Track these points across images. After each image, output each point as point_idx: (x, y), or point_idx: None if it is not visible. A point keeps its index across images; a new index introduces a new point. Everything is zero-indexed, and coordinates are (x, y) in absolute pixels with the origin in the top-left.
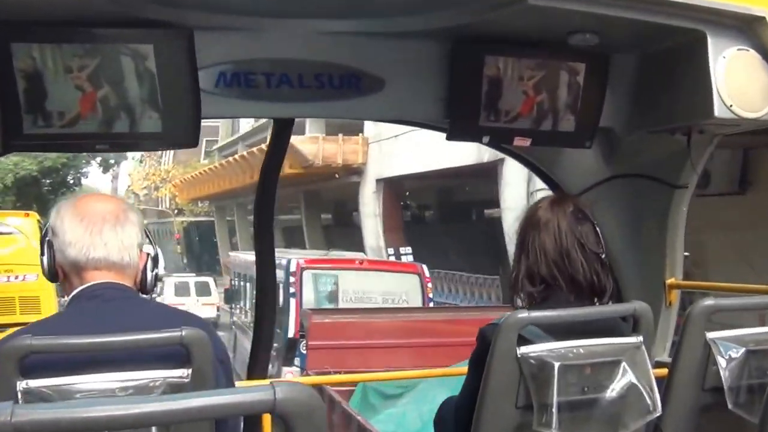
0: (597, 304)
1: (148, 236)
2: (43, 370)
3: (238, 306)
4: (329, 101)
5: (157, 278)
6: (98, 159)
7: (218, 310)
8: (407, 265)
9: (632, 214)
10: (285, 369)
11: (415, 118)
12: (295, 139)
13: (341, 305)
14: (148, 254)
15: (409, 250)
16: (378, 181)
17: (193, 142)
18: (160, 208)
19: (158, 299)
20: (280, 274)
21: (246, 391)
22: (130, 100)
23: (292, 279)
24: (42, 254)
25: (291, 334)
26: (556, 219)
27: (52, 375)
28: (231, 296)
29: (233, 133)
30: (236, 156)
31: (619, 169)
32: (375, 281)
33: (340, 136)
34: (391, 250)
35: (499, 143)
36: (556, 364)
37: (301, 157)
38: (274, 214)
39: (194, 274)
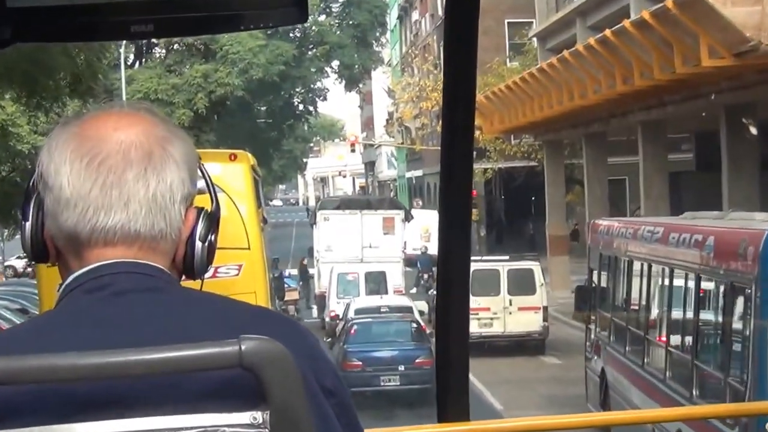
0: None
1: (205, 178)
2: (20, 415)
3: (609, 317)
4: None
5: (213, 250)
6: (335, 64)
7: (546, 320)
8: None
9: None
10: None
11: None
12: None
13: None
14: (200, 211)
15: None
16: None
17: (297, 13)
18: None
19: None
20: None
21: None
22: None
23: None
24: (25, 218)
25: None
26: None
27: (33, 422)
28: (588, 297)
29: (558, 6)
30: (579, 47)
31: None
32: None
33: None
34: None
35: None
36: None
37: (733, 33)
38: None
39: (506, 257)
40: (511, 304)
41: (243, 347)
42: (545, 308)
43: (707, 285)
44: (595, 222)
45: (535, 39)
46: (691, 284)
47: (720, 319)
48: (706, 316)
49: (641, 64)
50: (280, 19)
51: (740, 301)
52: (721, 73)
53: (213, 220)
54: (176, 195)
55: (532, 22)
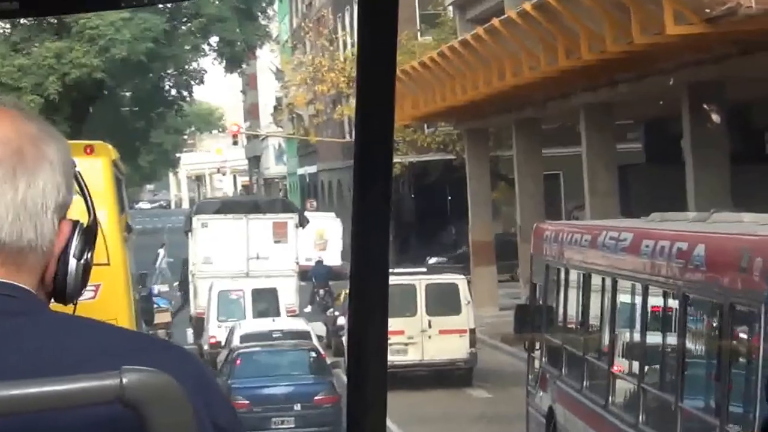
0: None
1: (80, 187)
2: None
3: (560, 345)
4: None
5: (89, 270)
6: (214, 40)
7: (474, 345)
8: None
9: None
10: None
11: None
12: None
13: None
14: (76, 224)
15: None
16: None
17: None
18: (348, 139)
19: (341, 319)
20: None
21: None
22: None
23: None
24: None
25: None
26: None
27: None
28: (532, 318)
29: None
30: (512, 14)
31: None
32: None
33: None
34: None
35: None
36: None
37: None
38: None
39: (424, 270)
40: (430, 327)
41: (124, 380)
42: (472, 331)
43: (696, 306)
44: (539, 226)
45: (451, 8)
46: (674, 304)
47: (714, 348)
48: (695, 344)
49: (590, 34)
50: None
51: (743, 327)
52: (688, 44)
53: (90, 235)
54: (49, 202)
55: None
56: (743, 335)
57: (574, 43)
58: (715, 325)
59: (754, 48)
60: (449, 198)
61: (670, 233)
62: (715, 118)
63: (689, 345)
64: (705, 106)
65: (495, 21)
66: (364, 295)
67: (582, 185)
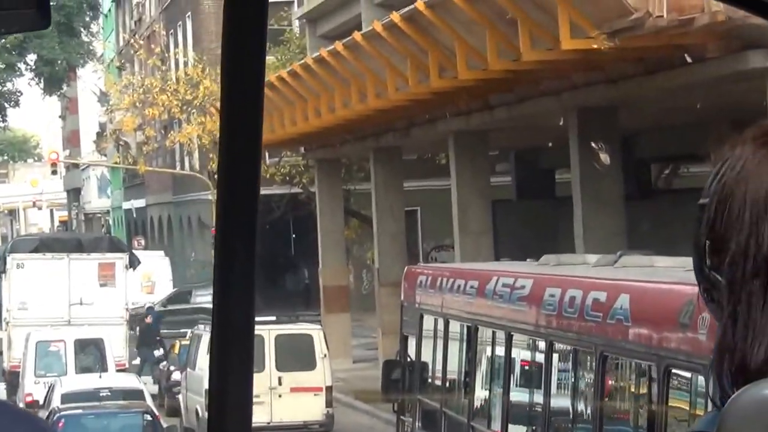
0: None
1: None
2: None
3: (438, 408)
4: None
5: None
6: (31, 58)
7: (331, 405)
8: None
9: None
10: None
11: None
12: None
13: None
14: None
15: None
16: None
17: (37, 17)
18: (179, 170)
19: (191, 372)
20: None
21: None
22: None
23: None
24: None
25: None
26: None
27: None
28: (402, 376)
29: None
30: (377, 27)
31: None
32: None
33: None
34: None
35: None
36: None
37: (608, 1)
38: None
39: (272, 318)
40: (280, 384)
41: None
42: (329, 389)
43: (617, 368)
44: (412, 269)
45: (298, 23)
46: (588, 365)
47: (643, 420)
48: (615, 415)
49: (468, 50)
50: (16, 22)
51: (682, 395)
52: (584, 61)
53: None
54: None
55: (292, 2)
56: (683, 405)
57: (450, 61)
58: (643, 392)
59: (660, 66)
60: (293, 236)
61: (581, 281)
62: (608, 147)
63: (607, 415)
64: (597, 133)
65: (356, 35)
66: (228, 347)
67: (441, 223)
